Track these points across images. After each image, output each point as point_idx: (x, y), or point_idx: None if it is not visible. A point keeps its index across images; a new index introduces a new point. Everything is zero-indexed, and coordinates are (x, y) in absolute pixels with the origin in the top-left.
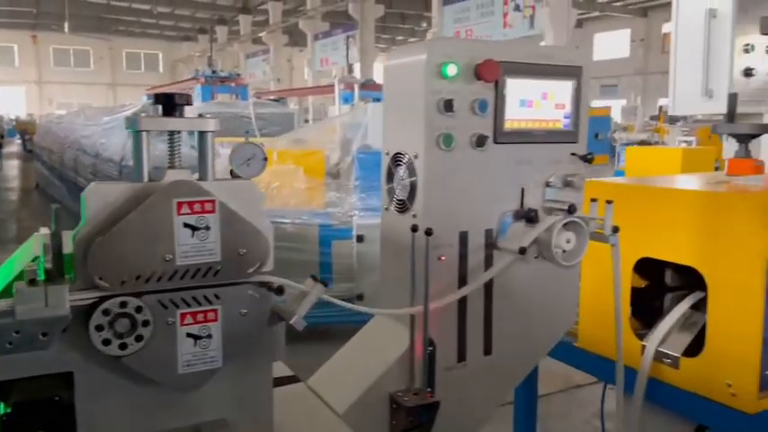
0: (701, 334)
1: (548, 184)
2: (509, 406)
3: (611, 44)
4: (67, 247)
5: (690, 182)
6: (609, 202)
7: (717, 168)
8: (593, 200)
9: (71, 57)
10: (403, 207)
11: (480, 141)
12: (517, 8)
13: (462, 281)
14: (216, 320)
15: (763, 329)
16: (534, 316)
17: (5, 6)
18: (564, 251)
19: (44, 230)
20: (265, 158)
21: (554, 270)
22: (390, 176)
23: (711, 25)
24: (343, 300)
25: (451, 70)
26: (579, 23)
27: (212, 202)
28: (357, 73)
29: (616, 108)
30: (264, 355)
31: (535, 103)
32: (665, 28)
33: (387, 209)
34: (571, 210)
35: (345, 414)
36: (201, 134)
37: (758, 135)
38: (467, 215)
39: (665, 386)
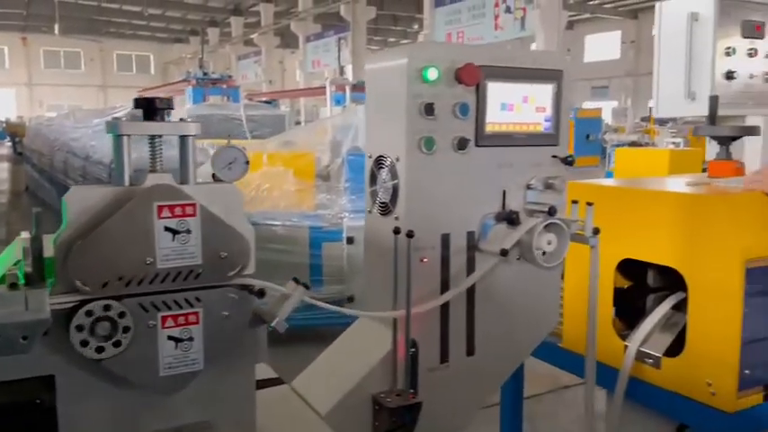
0: (682, 334)
1: (529, 187)
2: (496, 407)
3: (602, 46)
4: (49, 251)
5: (671, 184)
6: (589, 204)
7: (704, 170)
8: (574, 202)
9: (61, 59)
10: (386, 209)
11: (462, 144)
12: (508, 10)
13: (445, 282)
14: (197, 323)
15: (741, 330)
16: (516, 317)
17: None
18: (545, 253)
19: (25, 234)
20: (247, 162)
21: (536, 271)
22: (373, 179)
23: (694, 29)
24: (333, 302)
25: (432, 74)
26: (570, 25)
27: (193, 205)
28: (349, 75)
29: (607, 110)
30: (246, 357)
31: (516, 106)
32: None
33: (370, 211)
34: (551, 212)
35: (328, 415)
36: (182, 138)
37: (738, 137)
38: (449, 217)
39: (646, 386)
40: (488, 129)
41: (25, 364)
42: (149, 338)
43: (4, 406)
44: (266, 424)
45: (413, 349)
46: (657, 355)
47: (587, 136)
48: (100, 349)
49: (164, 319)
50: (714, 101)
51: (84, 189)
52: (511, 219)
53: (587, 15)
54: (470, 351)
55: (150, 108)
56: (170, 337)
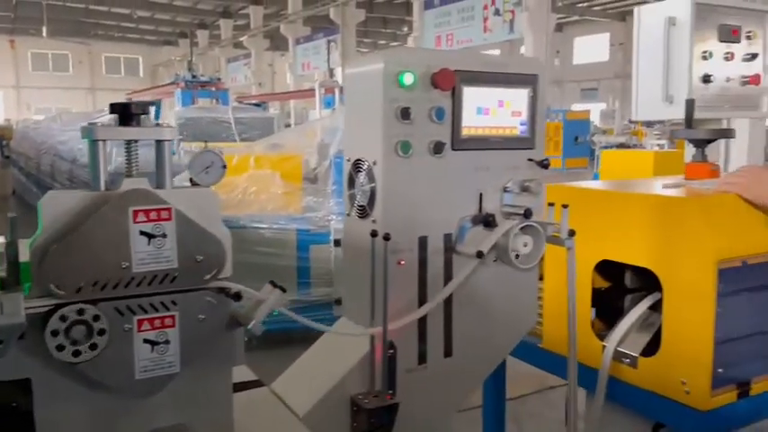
0: (659, 334)
1: (505, 190)
2: (479, 409)
3: (591, 48)
4: (25, 256)
5: (648, 186)
6: (564, 206)
7: None
8: (550, 204)
9: (49, 61)
10: (363, 213)
11: (438, 148)
12: (497, 13)
13: (422, 284)
14: (173, 326)
15: (714, 330)
16: (494, 318)
17: None
18: (521, 255)
19: (1, 239)
20: (224, 166)
21: (513, 273)
22: (352, 183)
23: (671, 33)
24: (322, 304)
25: (408, 79)
26: (559, 27)
27: (168, 210)
28: (339, 77)
29: (596, 112)
30: (223, 359)
31: (492, 110)
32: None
33: (348, 215)
34: (527, 214)
35: (306, 417)
36: (159, 143)
37: (714, 140)
38: (426, 220)
39: (624, 385)
40: (464, 133)
41: (1, 367)
42: (125, 342)
43: None
44: (244, 426)
45: (391, 351)
46: (634, 354)
47: (576, 138)
48: (76, 353)
49: (139, 322)
50: (690, 104)
51: (60, 194)
52: (487, 221)
53: (576, 18)
54: (448, 352)
55: (126, 113)
56: (146, 341)
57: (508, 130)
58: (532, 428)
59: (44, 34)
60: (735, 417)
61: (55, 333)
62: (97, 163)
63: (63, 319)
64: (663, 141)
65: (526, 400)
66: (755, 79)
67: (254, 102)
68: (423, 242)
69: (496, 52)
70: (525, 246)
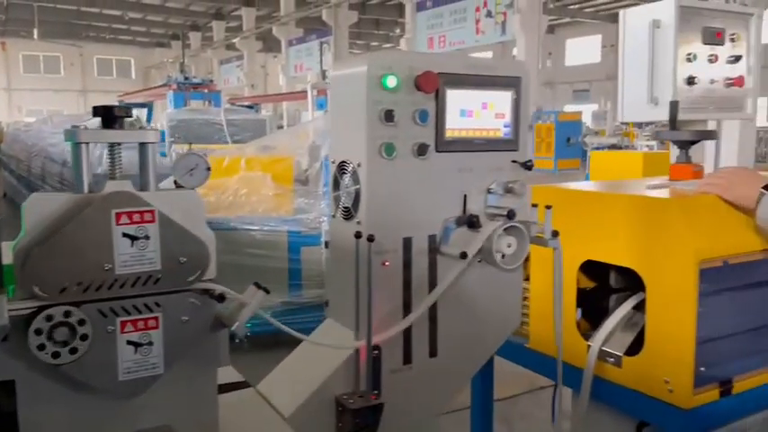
0: (643, 333)
1: (489, 191)
2: (467, 410)
3: (583, 50)
4: (8, 258)
5: (632, 187)
6: (548, 207)
7: None
8: (534, 205)
9: (41, 63)
10: (348, 214)
11: (422, 150)
12: (489, 15)
13: (407, 286)
14: (157, 328)
15: (696, 329)
16: (479, 318)
17: None
18: (505, 255)
19: None
20: (208, 168)
21: (497, 273)
22: (337, 184)
23: (655, 35)
24: (314, 306)
25: (391, 82)
26: (551, 29)
27: (152, 212)
28: None
29: (588, 113)
30: (208, 360)
31: (475, 112)
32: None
33: (334, 216)
34: (510, 215)
35: (291, 417)
36: (142, 145)
37: (697, 141)
38: (410, 221)
39: (609, 384)
40: (448, 135)
41: None
42: (108, 343)
43: None
44: (229, 426)
45: (375, 352)
46: (618, 354)
47: (568, 139)
48: (56, 354)
49: (123, 324)
50: (674, 106)
51: (44, 196)
52: (471, 222)
53: (568, 19)
54: (433, 353)
55: (109, 116)
56: (129, 342)
57: (492, 131)
58: (523, 429)
59: (35, 36)
60: (717, 415)
61: (38, 332)
62: (80, 166)
63: (48, 319)
64: (652, 142)
65: (517, 401)
66: (739, 81)
67: (246, 104)
68: (407, 243)
69: (489, 54)
70: (509, 246)
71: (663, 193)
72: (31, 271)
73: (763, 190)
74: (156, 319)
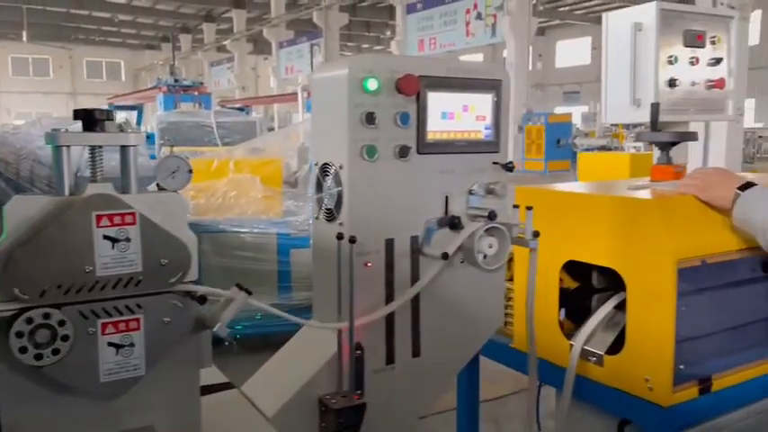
0: (624, 332)
1: (471, 192)
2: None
3: (574, 51)
4: None
5: (613, 188)
6: (529, 208)
7: None
8: (515, 206)
9: (30, 66)
10: (331, 216)
11: (403, 152)
12: (479, 17)
13: (389, 286)
14: (138, 329)
15: (675, 327)
16: (461, 318)
17: None
18: (487, 256)
19: None
20: (190, 171)
21: (479, 274)
22: (320, 186)
23: (637, 38)
24: (303, 308)
25: (372, 84)
26: (542, 31)
27: (132, 214)
28: None
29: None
30: (190, 361)
31: (456, 114)
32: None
33: (317, 218)
34: (491, 216)
35: (275, 418)
36: (123, 148)
37: (677, 142)
38: (392, 223)
39: (591, 383)
40: (430, 137)
41: None
42: (89, 345)
43: None
44: (212, 427)
45: (358, 352)
46: (600, 353)
47: (558, 141)
48: (38, 356)
49: (104, 325)
50: (655, 108)
51: (25, 199)
52: (453, 223)
53: (558, 22)
54: (416, 352)
55: (89, 119)
56: (110, 344)
57: (473, 133)
58: (511, 429)
59: (24, 38)
60: (696, 412)
61: (19, 335)
62: (61, 168)
63: (29, 321)
64: (639, 144)
65: (506, 401)
66: (720, 83)
67: (237, 106)
68: (389, 244)
69: (479, 56)
70: (491, 247)
71: (642, 194)
72: (12, 273)
73: (738, 190)
74: (137, 320)
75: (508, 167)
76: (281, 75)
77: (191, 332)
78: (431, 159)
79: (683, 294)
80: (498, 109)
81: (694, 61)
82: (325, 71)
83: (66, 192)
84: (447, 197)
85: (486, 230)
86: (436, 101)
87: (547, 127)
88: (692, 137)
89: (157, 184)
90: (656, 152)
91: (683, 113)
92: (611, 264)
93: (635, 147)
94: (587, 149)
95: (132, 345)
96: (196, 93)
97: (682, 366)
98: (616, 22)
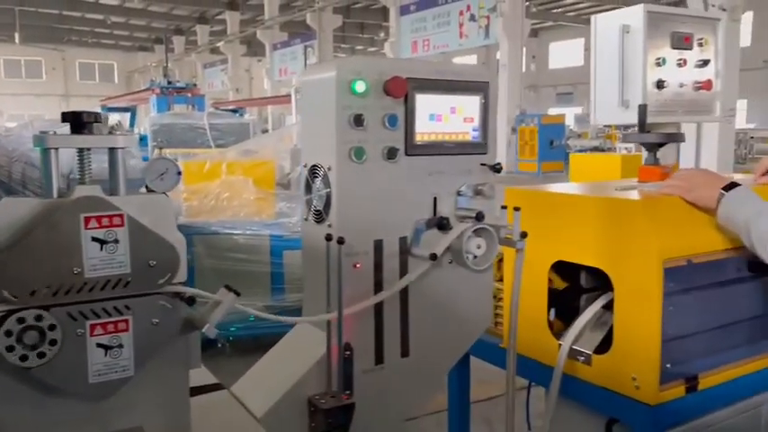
0: (612, 332)
1: (459, 193)
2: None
3: (567, 53)
4: None
5: (601, 188)
6: (516, 209)
7: None
8: (503, 207)
9: (22, 68)
10: (320, 217)
11: (392, 154)
12: (472, 18)
13: (378, 287)
14: (127, 330)
15: (661, 327)
16: (450, 318)
17: None
18: (475, 256)
19: None
20: (179, 173)
21: (467, 274)
22: (309, 188)
23: (625, 40)
24: (296, 310)
25: (360, 87)
26: (535, 33)
27: (121, 216)
28: None
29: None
30: (179, 362)
31: (444, 116)
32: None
33: (306, 219)
34: (479, 217)
35: (264, 418)
36: (111, 150)
37: (664, 143)
38: (381, 224)
39: (579, 382)
40: (418, 139)
41: None
42: (78, 346)
43: None
44: (202, 427)
45: (347, 352)
46: (588, 352)
47: (551, 142)
48: (24, 357)
49: (92, 327)
50: (643, 109)
51: (14, 201)
52: (442, 224)
53: (551, 23)
54: (405, 352)
55: (77, 121)
56: (99, 345)
57: (461, 135)
58: (504, 429)
59: (17, 40)
60: (683, 410)
61: (8, 334)
62: (49, 171)
63: (20, 321)
64: (631, 145)
65: (498, 402)
66: (707, 85)
67: (230, 108)
68: (378, 245)
69: (473, 57)
70: (479, 248)
71: (629, 195)
72: (1, 275)
73: (722, 191)
74: (125, 321)
75: (496, 169)
76: (274, 76)
77: (179, 333)
78: (419, 161)
79: (670, 294)
80: (486, 111)
81: (682, 63)
82: (314, 73)
83: (55, 194)
84: (435, 198)
85: (475, 231)
86: (424, 103)
87: (540, 128)
88: (678, 138)
89: (146, 186)
90: (644, 153)
91: (671, 115)
92: (599, 264)
93: (626, 148)
94: (580, 150)
95: (121, 346)
96: (189, 95)
97: (668, 365)
98: (604, 25)
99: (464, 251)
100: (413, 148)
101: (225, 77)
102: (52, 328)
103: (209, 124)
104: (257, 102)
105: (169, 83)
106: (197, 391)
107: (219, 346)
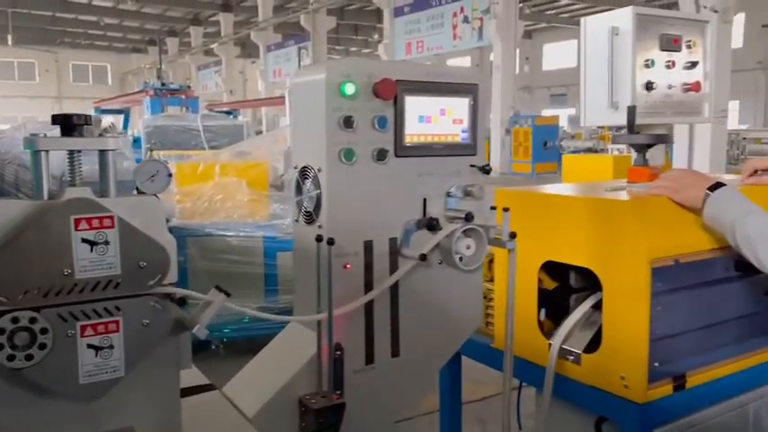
0: (601, 331)
1: (448, 194)
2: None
3: (560, 54)
4: None
5: (590, 189)
6: (506, 209)
7: None
8: (493, 208)
9: (15, 69)
10: (310, 218)
11: (381, 155)
12: (466, 20)
13: (368, 287)
14: (117, 331)
15: (649, 326)
16: (440, 318)
17: None
18: (464, 257)
19: None
20: (170, 174)
21: (457, 274)
22: (299, 189)
23: (615, 42)
24: (290, 311)
25: (349, 89)
26: (529, 35)
27: (111, 217)
28: None
29: (566, 117)
30: (170, 363)
31: (433, 118)
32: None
33: (297, 220)
34: (468, 218)
35: (255, 418)
36: (102, 153)
37: (653, 144)
38: (371, 225)
39: (569, 381)
40: (407, 140)
41: None
42: (69, 347)
43: None
44: (193, 428)
45: (338, 352)
46: (578, 351)
47: (545, 143)
48: (11, 357)
49: (83, 328)
50: (632, 110)
51: (4, 203)
52: (431, 225)
53: (544, 25)
54: (395, 352)
55: (67, 124)
56: (90, 346)
57: (450, 137)
58: (497, 429)
59: (9, 42)
60: (671, 409)
61: (1, 332)
62: (40, 173)
63: (14, 321)
64: (622, 146)
65: (491, 402)
66: (696, 86)
67: (224, 109)
68: (368, 246)
69: (467, 59)
70: (468, 248)
71: (618, 196)
72: None
73: (707, 191)
74: (116, 322)
75: (485, 170)
76: (268, 78)
77: (170, 334)
78: (409, 162)
79: (658, 294)
80: (475, 112)
81: (671, 65)
82: (304, 76)
83: (46, 196)
84: (425, 199)
85: (464, 232)
86: (413, 105)
87: (534, 129)
88: (666, 139)
89: (137, 188)
90: (633, 154)
91: (660, 116)
92: (588, 264)
93: (618, 149)
94: (574, 152)
95: (111, 347)
96: (183, 96)
97: (656, 364)
98: (594, 27)
99: (453, 251)
100: (402, 150)
101: (219, 79)
102: (44, 331)
103: (203, 126)
104: (251, 103)
105: (163, 85)
106: (188, 391)
107: (213, 347)
